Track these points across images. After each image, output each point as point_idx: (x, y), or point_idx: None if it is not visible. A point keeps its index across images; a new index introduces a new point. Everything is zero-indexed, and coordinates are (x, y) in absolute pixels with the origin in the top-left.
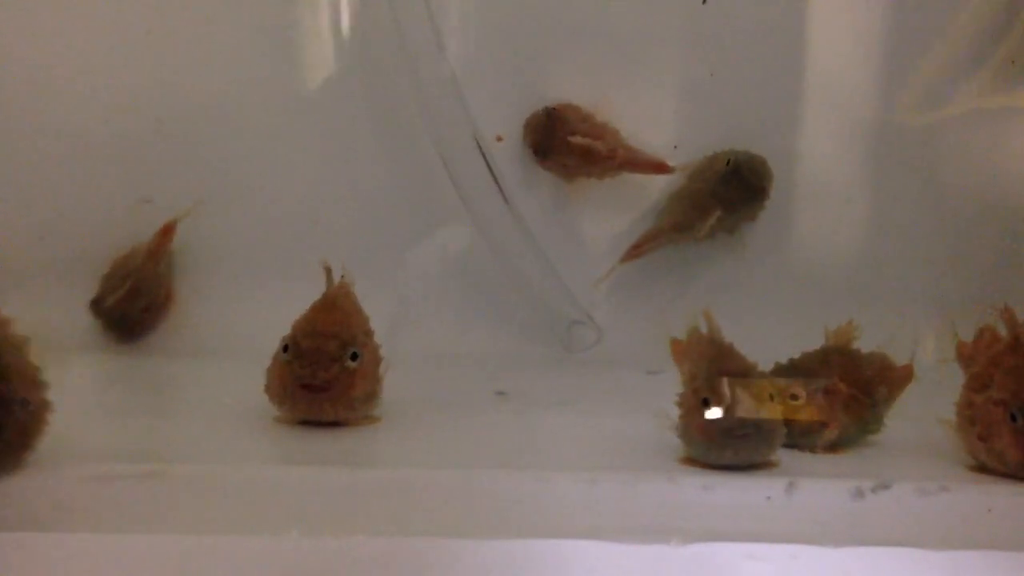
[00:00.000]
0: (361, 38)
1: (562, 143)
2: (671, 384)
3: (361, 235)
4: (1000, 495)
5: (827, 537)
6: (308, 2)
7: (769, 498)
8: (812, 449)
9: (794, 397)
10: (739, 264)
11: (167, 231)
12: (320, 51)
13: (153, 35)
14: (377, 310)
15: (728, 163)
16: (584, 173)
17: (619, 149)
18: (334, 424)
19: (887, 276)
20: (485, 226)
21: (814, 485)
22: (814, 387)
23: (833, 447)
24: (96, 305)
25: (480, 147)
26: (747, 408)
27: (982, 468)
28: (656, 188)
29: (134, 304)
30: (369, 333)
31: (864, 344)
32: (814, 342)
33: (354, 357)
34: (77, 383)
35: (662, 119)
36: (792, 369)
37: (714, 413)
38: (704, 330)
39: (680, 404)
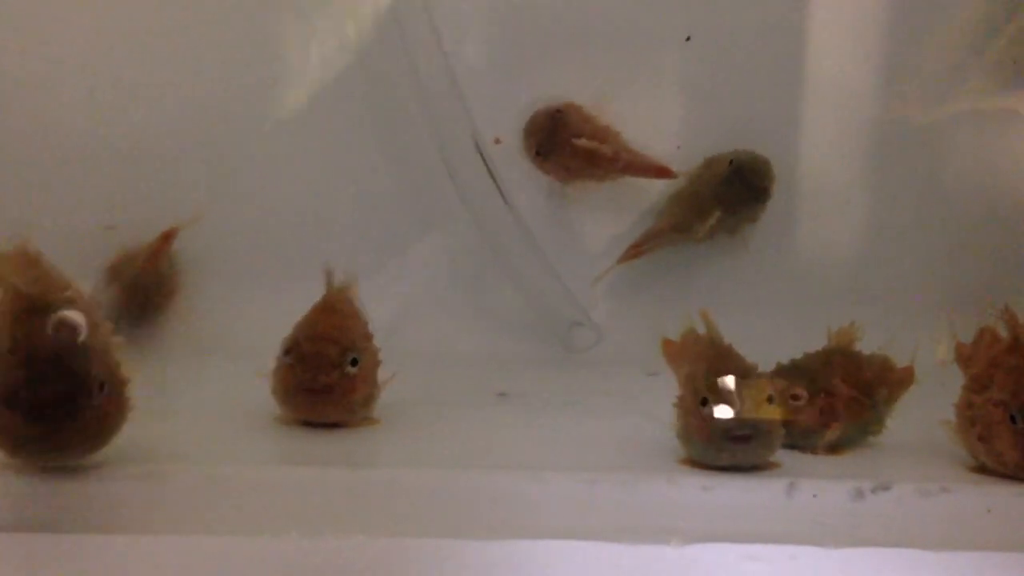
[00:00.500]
0: (362, 39)
1: (565, 145)
2: (671, 385)
3: (361, 236)
4: (1000, 496)
5: (827, 538)
6: (309, 3)
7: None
8: (812, 450)
9: (795, 398)
10: (740, 265)
11: (167, 237)
12: (321, 52)
13: (153, 36)
14: (377, 311)
15: (730, 163)
16: (586, 176)
17: (623, 152)
18: (334, 425)
19: (888, 277)
20: (485, 227)
21: (814, 486)
22: (814, 388)
23: (833, 448)
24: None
25: (479, 148)
26: (746, 409)
27: (982, 469)
28: (656, 189)
29: (132, 307)
30: (368, 336)
31: (865, 345)
32: (816, 343)
33: (354, 363)
34: None
35: (664, 120)
36: (793, 370)
37: (713, 413)
38: (701, 331)
39: (679, 405)
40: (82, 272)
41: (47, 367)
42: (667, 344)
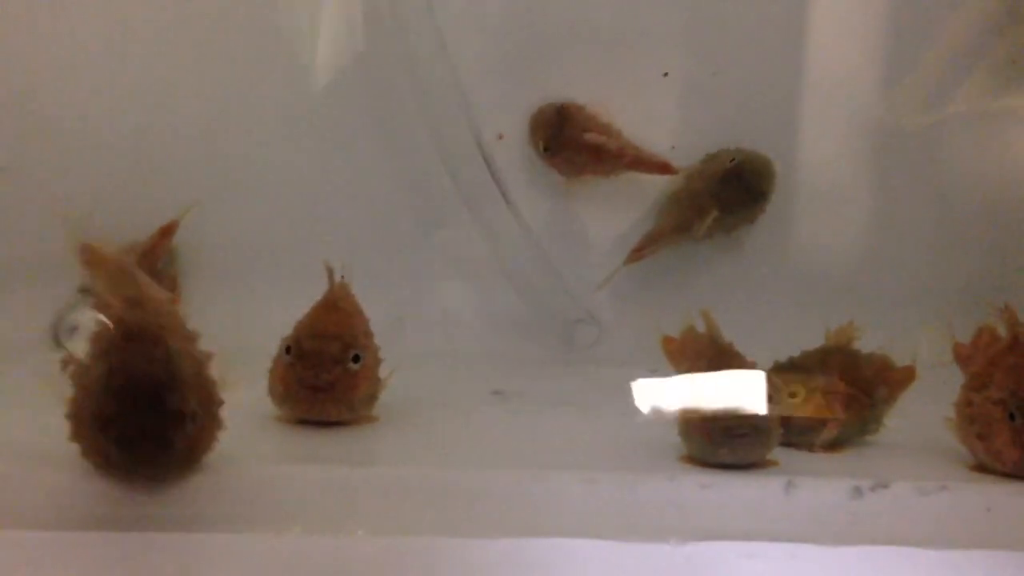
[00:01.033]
0: (362, 37)
1: (572, 140)
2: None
3: (361, 234)
4: (999, 494)
5: (826, 536)
6: (310, 1)
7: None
8: (811, 448)
9: (793, 395)
10: (739, 263)
11: (166, 232)
12: (321, 50)
13: (153, 34)
14: (377, 310)
15: (732, 161)
16: (591, 171)
17: (628, 148)
18: (333, 423)
19: (887, 276)
20: (485, 224)
21: (813, 484)
22: (812, 385)
23: (832, 446)
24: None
25: (480, 146)
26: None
27: (981, 467)
28: (656, 187)
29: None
30: (369, 334)
31: (865, 344)
32: (814, 342)
33: (356, 359)
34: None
35: (662, 119)
36: (792, 368)
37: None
38: (701, 329)
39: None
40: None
41: (142, 398)
42: (667, 341)
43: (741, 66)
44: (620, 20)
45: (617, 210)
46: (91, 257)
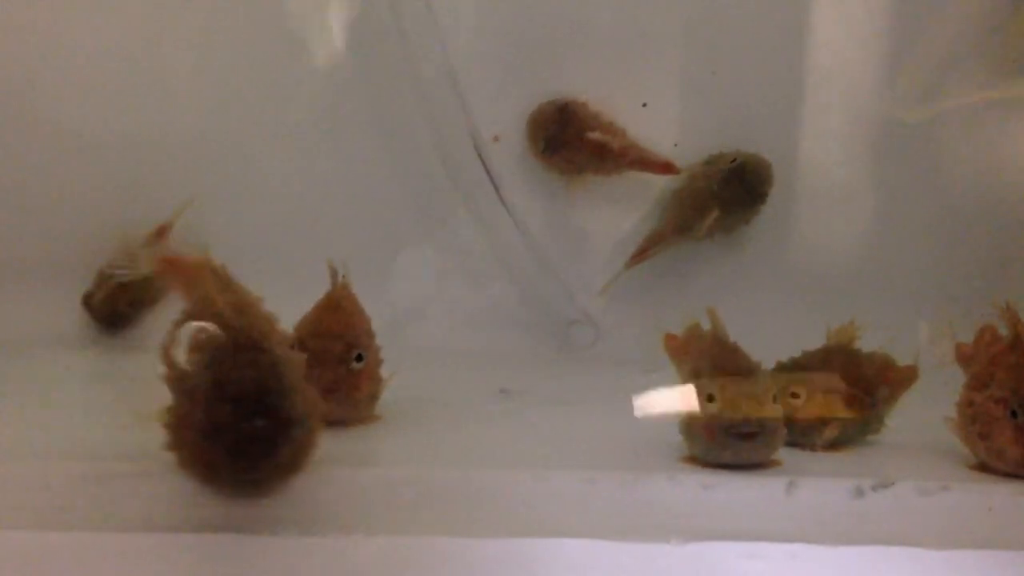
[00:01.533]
0: (361, 36)
1: (574, 139)
2: (670, 383)
3: (360, 233)
4: (1001, 494)
5: (827, 536)
6: (310, 1)
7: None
8: (813, 448)
9: (795, 395)
10: (739, 262)
11: (161, 232)
12: (320, 49)
13: (152, 33)
14: (377, 309)
15: (733, 161)
16: (592, 170)
17: (630, 147)
18: (334, 422)
19: (888, 275)
20: (484, 224)
21: (814, 484)
22: (814, 385)
23: (833, 446)
24: (87, 300)
25: (477, 146)
26: (751, 408)
27: (983, 467)
28: (656, 187)
29: (120, 300)
30: (371, 334)
31: (866, 343)
32: (815, 341)
33: (359, 359)
34: (73, 379)
35: (663, 117)
36: (793, 367)
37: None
38: (706, 327)
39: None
40: (82, 268)
41: (250, 405)
42: (669, 339)
43: (742, 64)
44: (620, 18)
45: (617, 209)
46: (182, 268)
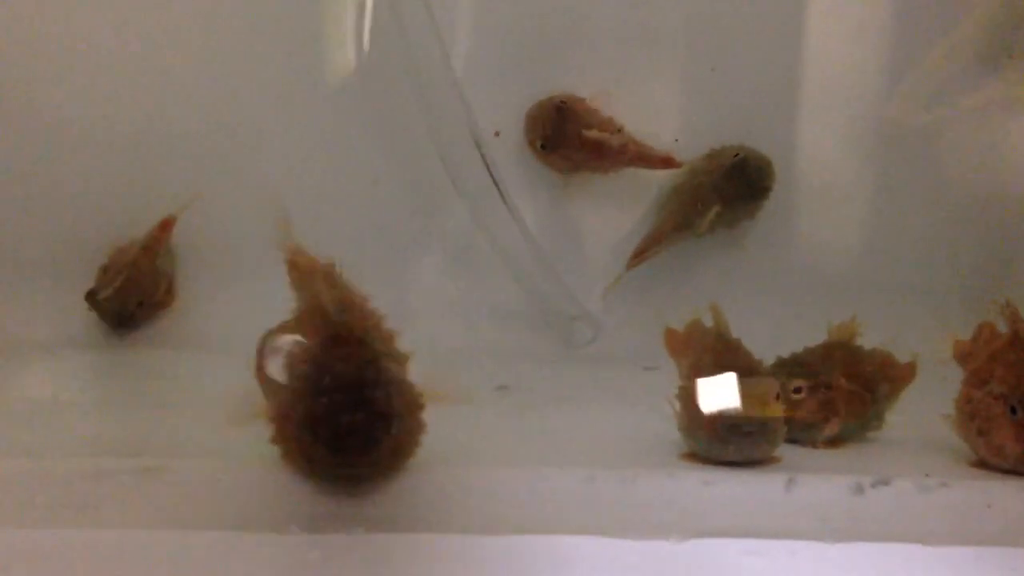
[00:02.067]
0: (360, 34)
1: (572, 137)
2: (670, 380)
3: (360, 231)
4: (1000, 491)
5: (827, 533)
6: None
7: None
8: (813, 444)
9: (796, 391)
10: (740, 259)
11: (165, 225)
12: (319, 47)
13: (152, 31)
14: (376, 306)
15: (736, 155)
16: (591, 167)
17: (629, 143)
18: None
19: (889, 271)
20: (484, 221)
21: (814, 481)
22: (815, 382)
23: (833, 443)
24: (91, 297)
25: (477, 142)
26: (753, 405)
27: (982, 464)
28: (656, 182)
29: (129, 298)
30: None
31: (867, 340)
32: (816, 337)
33: None
34: (73, 376)
35: (662, 113)
36: (794, 363)
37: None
38: (708, 323)
39: (681, 396)
40: (80, 267)
41: (350, 400)
42: (670, 334)
43: (742, 61)
44: (621, 14)
45: (617, 206)
46: (298, 260)
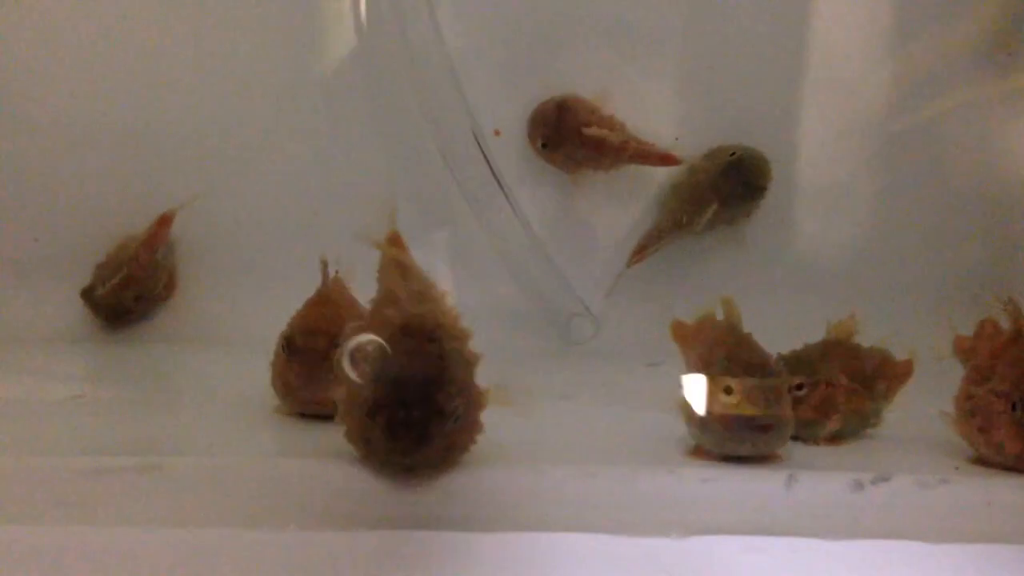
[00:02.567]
0: (360, 32)
1: (573, 135)
2: (671, 376)
3: (359, 229)
4: (1000, 488)
5: (827, 530)
6: None
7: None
8: (815, 441)
9: (798, 388)
10: (739, 256)
11: (164, 221)
12: (320, 45)
13: (151, 28)
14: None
15: (733, 154)
16: (592, 165)
17: (630, 141)
18: (326, 416)
19: (888, 270)
20: (485, 219)
21: (814, 478)
22: (815, 379)
23: (832, 440)
24: (88, 294)
25: (478, 140)
26: (769, 400)
27: (982, 460)
28: (656, 180)
29: (125, 293)
30: None
31: (866, 338)
32: (815, 335)
33: None
34: (73, 374)
35: (662, 112)
36: (793, 361)
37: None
38: (719, 317)
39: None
40: (77, 264)
41: (412, 391)
42: (678, 326)
43: (743, 60)
44: (621, 12)
45: (618, 203)
46: (390, 249)
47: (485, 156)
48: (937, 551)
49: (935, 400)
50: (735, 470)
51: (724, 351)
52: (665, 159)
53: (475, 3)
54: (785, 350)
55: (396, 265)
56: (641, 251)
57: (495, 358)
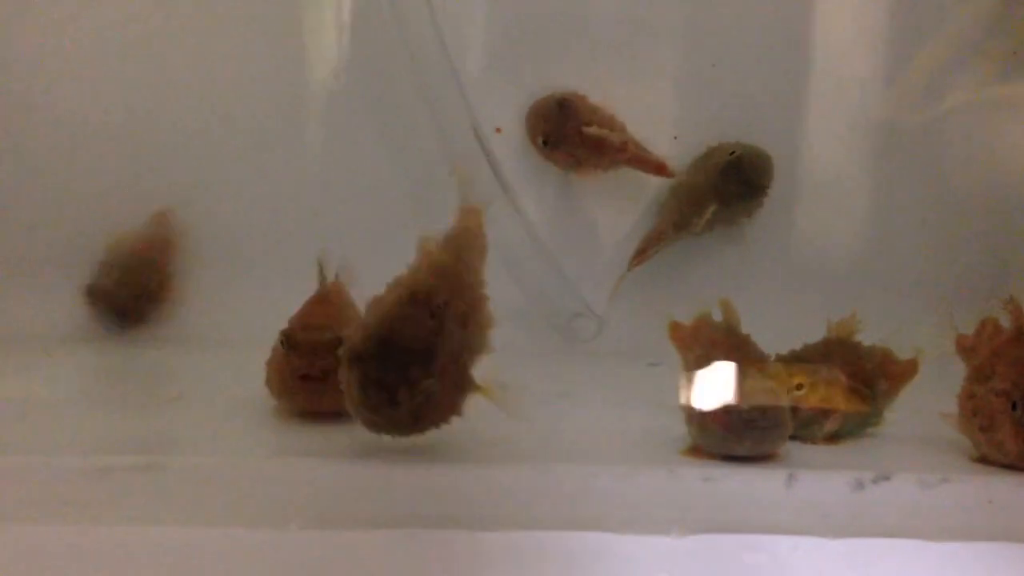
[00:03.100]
0: (361, 31)
1: (574, 133)
2: (672, 376)
3: (361, 227)
4: (1001, 487)
5: (827, 528)
6: None
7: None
8: (814, 440)
9: (799, 387)
10: (740, 255)
11: (163, 219)
12: (320, 44)
13: (152, 28)
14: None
15: (732, 154)
16: (592, 165)
17: (629, 142)
18: (333, 416)
19: (889, 269)
20: (487, 217)
21: (814, 476)
22: (816, 378)
23: (833, 438)
24: (91, 291)
25: (479, 138)
26: (768, 399)
27: (983, 459)
28: (655, 180)
29: (124, 291)
30: None
31: (867, 336)
32: (816, 334)
33: None
34: (73, 373)
35: (662, 110)
36: (794, 360)
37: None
38: (717, 318)
39: (689, 392)
40: (78, 263)
41: (392, 355)
42: (675, 328)
43: (743, 58)
44: (622, 11)
45: (620, 202)
46: (464, 218)
47: (486, 154)
48: (938, 550)
49: (936, 399)
50: (735, 469)
51: (722, 352)
52: (659, 168)
53: (476, 1)
54: (785, 350)
55: (469, 235)
56: (642, 254)
57: (495, 357)
